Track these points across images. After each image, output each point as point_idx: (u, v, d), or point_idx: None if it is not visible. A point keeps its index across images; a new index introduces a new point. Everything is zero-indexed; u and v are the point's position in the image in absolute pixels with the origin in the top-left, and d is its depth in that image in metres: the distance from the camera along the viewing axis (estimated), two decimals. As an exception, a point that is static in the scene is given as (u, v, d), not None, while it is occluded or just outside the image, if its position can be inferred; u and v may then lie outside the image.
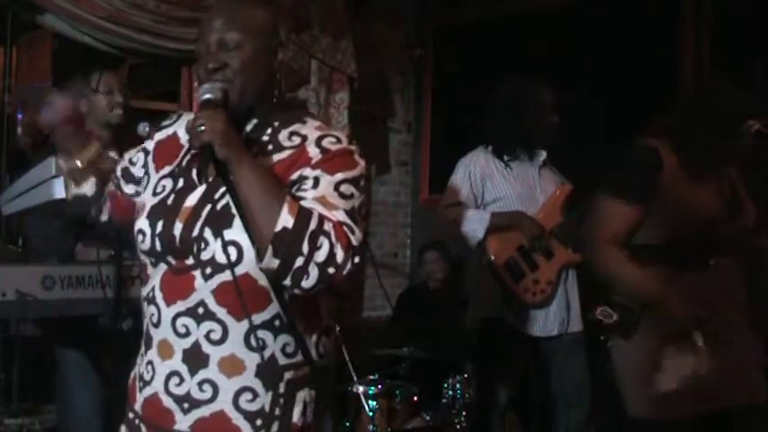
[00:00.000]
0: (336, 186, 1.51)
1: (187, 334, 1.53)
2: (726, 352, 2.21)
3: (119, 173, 1.76)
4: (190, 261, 1.53)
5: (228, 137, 1.46)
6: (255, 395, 1.53)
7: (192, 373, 1.54)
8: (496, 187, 3.25)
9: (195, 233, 1.53)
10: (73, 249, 2.93)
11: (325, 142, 1.55)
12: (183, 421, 1.55)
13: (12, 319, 3.76)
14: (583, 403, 3.29)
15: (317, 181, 1.51)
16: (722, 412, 2.19)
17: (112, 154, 1.83)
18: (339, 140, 1.56)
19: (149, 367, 1.59)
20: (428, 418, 3.41)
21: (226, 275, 1.49)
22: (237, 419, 1.53)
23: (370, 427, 3.22)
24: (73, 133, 1.78)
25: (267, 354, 1.53)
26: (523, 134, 3.29)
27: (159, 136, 1.72)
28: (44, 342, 3.10)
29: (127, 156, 1.76)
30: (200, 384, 1.53)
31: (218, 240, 1.49)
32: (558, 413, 3.33)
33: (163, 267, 1.57)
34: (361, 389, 3.21)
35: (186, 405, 1.54)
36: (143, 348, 1.63)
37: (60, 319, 2.70)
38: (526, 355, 3.25)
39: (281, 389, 1.55)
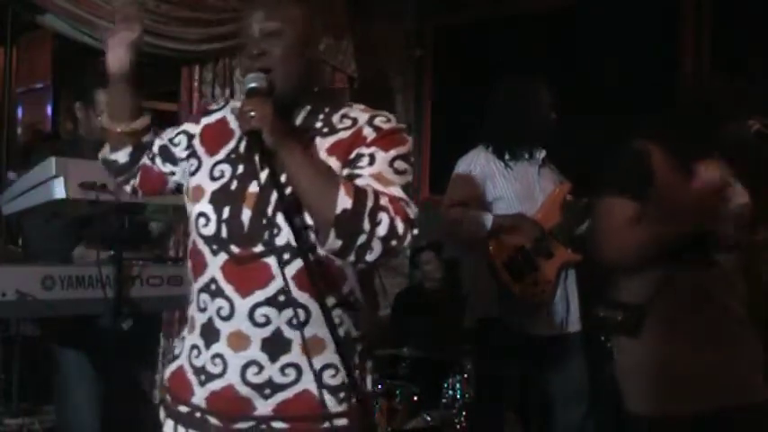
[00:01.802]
0: (391, 162, 1.56)
1: (267, 323, 1.56)
2: (726, 350, 2.21)
3: (156, 149, 1.77)
4: (258, 248, 1.55)
5: (276, 124, 1.49)
6: (337, 370, 1.58)
7: (273, 359, 1.57)
8: (497, 187, 3.25)
9: (267, 218, 1.55)
10: (71, 250, 2.93)
11: (376, 121, 1.61)
12: (264, 406, 1.58)
13: (12, 319, 3.77)
14: (582, 403, 3.29)
15: (372, 158, 1.56)
16: (721, 411, 2.19)
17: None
18: (389, 120, 1.62)
19: (218, 360, 1.58)
20: (428, 418, 3.41)
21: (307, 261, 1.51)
22: (323, 395, 1.58)
23: (370, 427, 3.21)
24: (128, 95, 1.77)
25: (344, 330, 1.60)
26: (523, 133, 3.29)
27: (206, 120, 1.74)
28: (44, 342, 3.10)
29: (165, 134, 1.78)
30: (282, 369, 1.57)
31: (295, 224, 1.51)
32: (557, 413, 3.33)
33: (223, 257, 1.57)
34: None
35: (268, 391, 1.57)
36: (201, 341, 1.61)
37: (60, 319, 2.70)
38: (525, 355, 3.25)
39: (356, 360, 1.64)
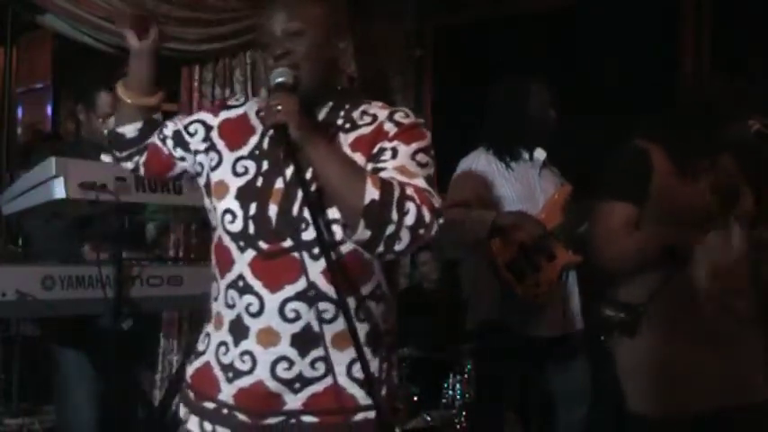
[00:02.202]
0: (413, 156, 1.59)
1: (297, 318, 1.56)
2: (726, 350, 2.21)
3: (169, 133, 1.76)
4: (287, 243, 1.56)
5: (302, 119, 1.51)
6: (365, 363, 1.57)
7: (303, 354, 1.57)
8: (497, 188, 3.25)
9: (294, 214, 1.56)
10: (73, 249, 2.93)
11: (396, 117, 1.64)
12: (294, 401, 1.59)
13: (12, 319, 3.77)
14: (583, 403, 3.28)
15: (395, 151, 1.59)
16: (722, 411, 2.19)
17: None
18: (408, 115, 1.65)
19: (246, 357, 1.58)
20: (428, 418, 3.41)
21: (336, 254, 1.55)
22: (352, 388, 1.60)
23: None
24: (148, 69, 1.77)
25: (372, 323, 1.62)
26: (523, 133, 3.28)
27: (226, 114, 1.74)
28: (44, 342, 3.10)
29: (179, 121, 1.77)
30: (312, 363, 1.58)
31: (321, 220, 1.53)
32: (558, 413, 3.32)
33: (251, 253, 1.57)
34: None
35: (297, 385, 1.58)
36: (229, 338, 1.61)
37: (60, 319, 2.70)
38: (526, 356, 3.25)
39: (384, 353, 1.66)
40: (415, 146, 1.61)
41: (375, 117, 1.64)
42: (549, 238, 3.22)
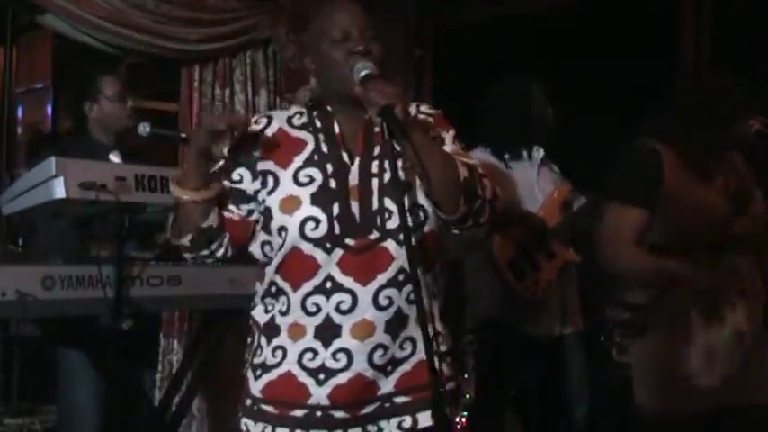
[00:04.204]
0: (454, 140, 1.73)
1: (390, 305, 1.62)
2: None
3: (231, 200, 1.71)
4: (374, 235, 1.62)
5: (405, 103, 1.59)
6: (444, 337, 1.71)
7: (395, 338, 1.64)
8: (496, 187, 3.25)
9: (375, 206, 1.63)
10: (77, 248, 2.93)
11: (423, 109, 1.76)
12: (386, 384, 1.65)
13: (12, 319, 3.77)
14: (582, 403, 3.29)
15: (443, 139, 1.72)
16: (727, 411, 2.19)
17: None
18: (429, 106, 1.79)
19: (340, 354, 1.62)
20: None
21: (417, 236, 1.62)
22: (436, 363, 1.63)
23: (371, 426, 3.21)
24: (204, 166, 1.67)
25: (442, 297, 1.73)
26: (522, 132, 3.28)
27: (265, 142, 1.70)
28: (44, 342, 3.10)
29: (225, 183, 1.70)
30: (401, 344, 1.65)
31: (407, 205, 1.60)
32: (558, 413, 3.33)
33: (338, 252, 1.61)
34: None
35: (390, 368, 1.64)
36: (317, 343, 1.63)
37: (60, 319, 2.70)
38: (526, 355, 3.25)
39: (452, 326, 1.77)
40: (452, 132, 1.74)
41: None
42: (548, 235, 3.23)
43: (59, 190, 2.53)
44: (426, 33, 5.39)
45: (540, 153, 3.34)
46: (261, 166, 1.69)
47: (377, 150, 1.70)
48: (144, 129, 2.48)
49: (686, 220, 2.21)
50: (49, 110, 6.41)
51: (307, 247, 1.62)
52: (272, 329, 1.69)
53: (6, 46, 4.39)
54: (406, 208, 1.55)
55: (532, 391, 3.46)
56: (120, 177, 2.61)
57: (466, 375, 3.53)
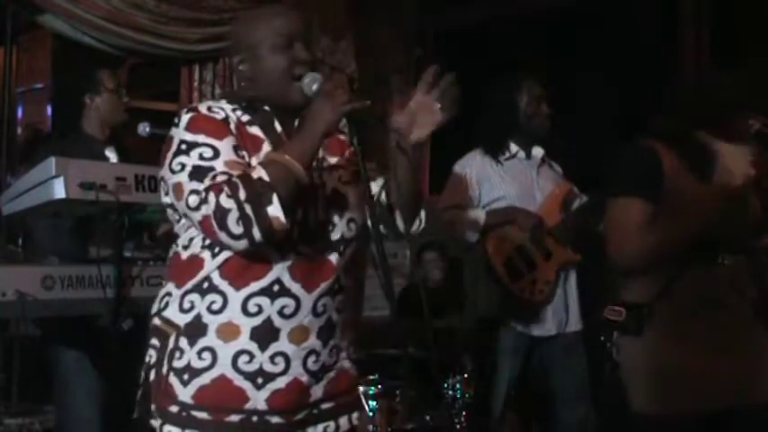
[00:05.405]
0: None
1: (324, 312, 1.66)
2: (731, 350, 2.21)
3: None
4: (321, 244, 1.66)
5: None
6: (356, 345, 1.78)
7: (325, 344, 1.69)
8: (494, 188, 3.24)
9: (321, 217, 1.66)
10: (82, 249, 2.93)
11: None
12: (317, 390, 1.69)
13: (12, 319, 3.77)
14: (582, 403, 3.28)
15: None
16: (726, 411, 2.19)
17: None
18: None
19: (278, 358, 1.63)
20: (428, 418, 3.41)
21: (350, 249, 1.70)
22: (352, 368, 1.78)
23: (370, 427, 3.21)
24: None
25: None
26: (514, 126, 3.28)
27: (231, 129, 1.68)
28: (44, 342, 3.10)
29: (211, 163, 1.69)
30: (330, 351, 1.70)
31: (344, 219, 1.67)
32: (558, 413, 3.32)
33: (291, 257, 1.62)
34: (361, 389, 3.21)
35: (320, 374, 1.68)
36: (253, 345, 1.61)
37: (60, 319, 2.70)
38: (526, 355, 3.25)
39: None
40: None
41: None
42: (544, 233, 3.22)
43: (59, 190, 2.53)
44: (426, 33, 5.39)
45: (539, 152, 3.33)
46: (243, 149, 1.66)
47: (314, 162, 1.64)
48: (143, 129, 2.48)
49: (686, 219, 2.20)
50: (49, 110, 6.40)
51: (263, 248, 1.58)
52: (195, 329, 1.63)
53: (6, 46, 4.39)
54: (357, 222, 1.69)
55: (532, 391, 3.46)
56: (120, 177, 2.61)
57: (465, 375, 3.54)
